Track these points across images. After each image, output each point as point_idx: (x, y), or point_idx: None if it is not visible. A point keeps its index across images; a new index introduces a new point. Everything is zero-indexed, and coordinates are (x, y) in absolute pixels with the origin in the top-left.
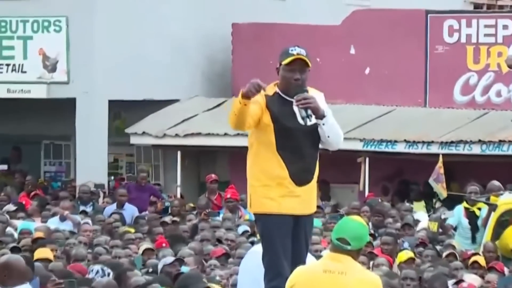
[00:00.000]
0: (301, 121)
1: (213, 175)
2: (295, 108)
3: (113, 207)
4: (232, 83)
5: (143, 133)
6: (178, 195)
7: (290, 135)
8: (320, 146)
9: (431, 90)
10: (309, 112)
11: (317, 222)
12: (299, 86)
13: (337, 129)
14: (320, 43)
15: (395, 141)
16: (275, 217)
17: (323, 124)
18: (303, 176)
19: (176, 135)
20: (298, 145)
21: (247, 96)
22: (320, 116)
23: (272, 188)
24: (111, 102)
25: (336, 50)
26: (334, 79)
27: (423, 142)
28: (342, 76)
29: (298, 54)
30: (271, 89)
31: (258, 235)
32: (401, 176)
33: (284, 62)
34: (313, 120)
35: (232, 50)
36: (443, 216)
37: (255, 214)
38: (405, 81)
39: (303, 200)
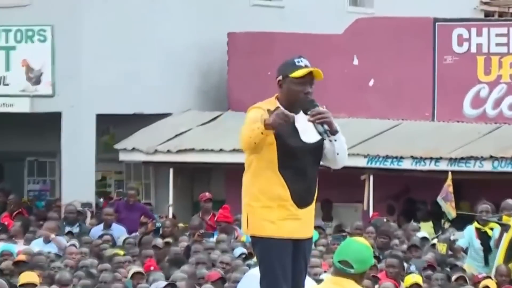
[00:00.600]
0: (313, 138)
1: (207, 194)
2: (297, 125)
3: (99, 227)
4: (228, 95)
5: (133, 149)
6: (170, 215)
7: (293, 154)
8: (322, 163)
9: (439, 103)
10: (326, 127)
11: (315, 235)
12: (309, 101)
13: (345, 146)
14: (321, 53)
15: (401, 157)
16: (274, 240)
17: (335, 140)
18: (305, 197)
19: (168, 151)
20: (301, 164)
21: (271, 127)
22: (334, 131)
23: (273, 210)
24: (99, 117)
25: (338, 60)
26: (336, 92)
27: (431, 158)
28: (344, 88)
29: (306, 66)
30: (273, 103)
31: (255, 258)
32: (408, 194)
33: (294, 75)
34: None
35: (228, 61)
36: (452, 237)
37: (252, 237)
38: (411, 93)
39: (304, 223)
